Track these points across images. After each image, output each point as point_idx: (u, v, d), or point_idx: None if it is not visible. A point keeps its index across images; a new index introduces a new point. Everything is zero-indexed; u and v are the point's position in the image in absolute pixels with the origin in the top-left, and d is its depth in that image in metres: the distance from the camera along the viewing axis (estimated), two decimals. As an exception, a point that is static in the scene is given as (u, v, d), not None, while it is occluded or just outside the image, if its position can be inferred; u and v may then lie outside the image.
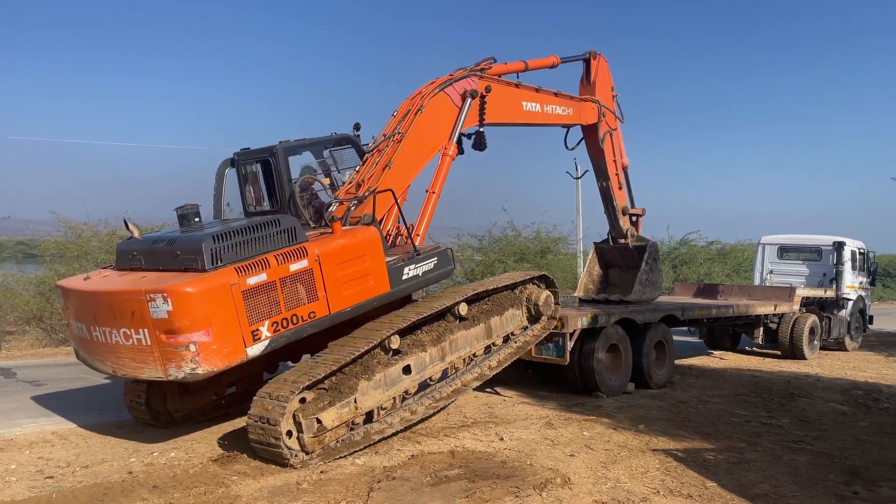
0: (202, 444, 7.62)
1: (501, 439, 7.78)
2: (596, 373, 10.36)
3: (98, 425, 8.36)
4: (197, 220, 7.68)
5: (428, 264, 8.50)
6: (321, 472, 6.55)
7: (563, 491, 6.08)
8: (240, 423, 8.50)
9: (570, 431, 8.23)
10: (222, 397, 8.96)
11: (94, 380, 11.16)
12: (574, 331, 10.09)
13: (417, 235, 8.88)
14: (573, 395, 10.40)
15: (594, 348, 10.35)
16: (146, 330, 6.37)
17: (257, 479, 6.36)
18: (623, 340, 10.89)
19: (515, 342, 9.45)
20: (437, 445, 7.50)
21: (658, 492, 6.14)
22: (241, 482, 6.28)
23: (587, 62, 12.18)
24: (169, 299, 6.21)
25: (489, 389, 10.58)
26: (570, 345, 10.05)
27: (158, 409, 8.23)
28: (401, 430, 7.62)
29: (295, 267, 7.01)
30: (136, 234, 7.69)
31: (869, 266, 18.63)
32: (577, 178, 15.70)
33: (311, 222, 8.39)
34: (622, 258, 13.17)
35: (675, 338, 12.41)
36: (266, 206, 8.84)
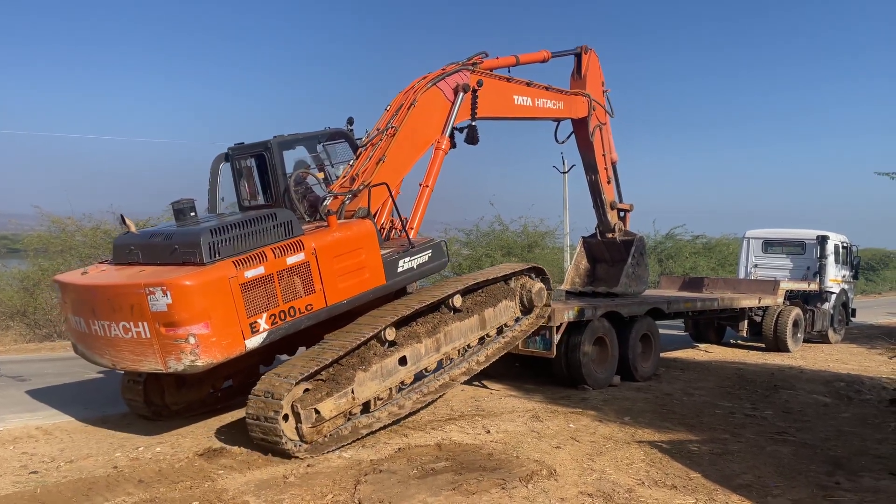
0: (188, 438, 7.60)
1: (488, 432, 7.81)
2: (582, 365, 10.41)
3: (83, 420, 8.31)
4: (192, 214, 7.74)
5: (422, 257, 8.58)
6: (308, 465, 6.55)
7: (549, 482, 6.11)
8: (227, 417, 8.51)
9: (557, 424, 8.27)
10: (219, 390, 9.00)
11: (79, 375, 11.10)
12: (561, 324, 10.13)
13: (411, 228, 8.93)
14: (559, 388, 10.46)
15: (580, 341, 10.40)
16: (146, 323, 6.42)
17: (244, 473, 6.35)
18: (609, 333, 10.95)
19: (505, 336, 9.51)
20: (424, 438, 7.52)
21: (643, 483, 6.19)
22: (227, 476, 6.27)
23: (578, 57, 12.23)
24: (168, 292, 6.26)
25: (476, 383, 10.61)
26: (556, 338, 10.10)
27: (156, 402, 8.26)
28: (389, 425, 7.64)
29: (292, 260, 7.08)
30: (133, 228, 7.73)
31: (852, 260, 18.83)
32: (564, 173, 15.83)
33: (305, 216, 8.44)
34: (609, 253, 13.23)
35: (661, 331, 12.49)
36: (260, 200, 8.87)
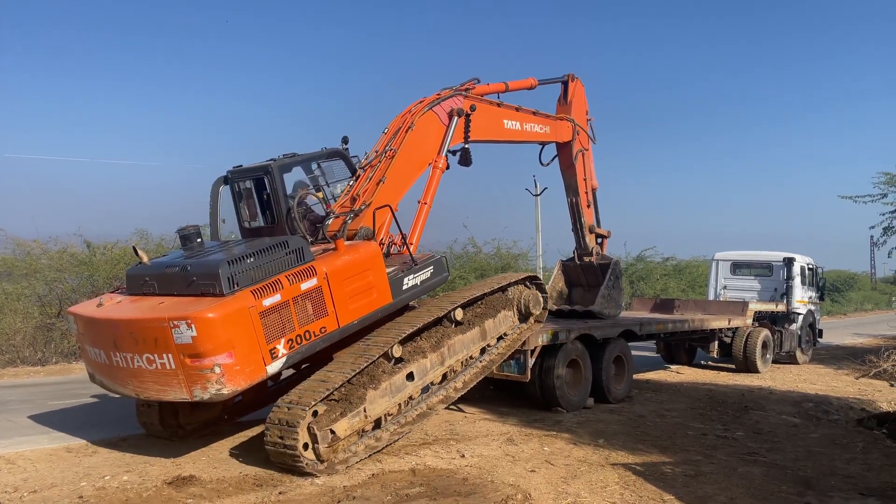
0: (156, 466, 7.43)
1: (463, 456, 7.76)
2: (556, 388, 10.42)
3: (46, 449, 8.09)
4: (199, 240, 7.86)
5: (425, 273, 8.80)
6: (280, 492, 6.44)
7: (524, 507, 6.08)
8: (200, 444, 8.34)
9: (531, 447, 8.26)
10: (229, 407, 9.02)
11: (42, 403, 10.83)
12: (535, 348, 10.16)
13: (411, 244, 9.08)
14: (534, 411, 10.45)
15: (554, 364, 10.42)
16: (170, 355, 6.51)
17: (213, 502, 6.22)
18: (583, 356, 11.00)
19: (506, 340, 9.69)
20: (398, 463, 7.45)
21: (617, 506, 6.19)
22: (196, 505, 6.13)
23: (565, 84, 12.75)
24: (193, 325, 6.35)
25: (451, 406, 10.55)
26: (531, 361, 10.11)
27: (171, 424, 8.37)
28: (365, 458, 7.52)
29: (306, 286, 7.27)
30: (146, 259, 7.77)
31: (818, 281, 19.21)
32: (537, 196, 15.97)
33: (307, 236, 8.53)
34: (586, 277, 13.36)
35: (634, 353, 12.58)
36: (260, 221, 8.99)
